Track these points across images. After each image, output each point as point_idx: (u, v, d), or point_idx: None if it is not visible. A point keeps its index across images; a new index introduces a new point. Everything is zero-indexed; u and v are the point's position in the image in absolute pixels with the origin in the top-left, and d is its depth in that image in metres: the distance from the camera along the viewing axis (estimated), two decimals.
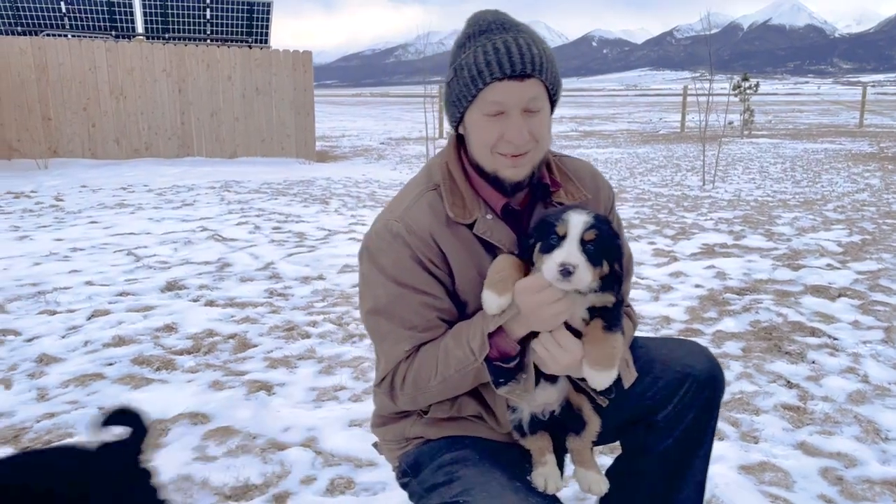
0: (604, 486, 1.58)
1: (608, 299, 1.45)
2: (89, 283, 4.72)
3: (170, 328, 3.83)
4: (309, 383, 3.14)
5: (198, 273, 4.97)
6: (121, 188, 9.26)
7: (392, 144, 18.85)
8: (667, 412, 1.66)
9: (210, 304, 4.29)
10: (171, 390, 3.06)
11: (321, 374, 3.24)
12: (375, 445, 1.84)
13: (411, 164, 13.82)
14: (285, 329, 3.85)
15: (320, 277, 4.92)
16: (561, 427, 1.63)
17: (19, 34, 13.33)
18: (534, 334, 1.47)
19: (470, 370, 1.48)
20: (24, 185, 9.25)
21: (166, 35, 14.58)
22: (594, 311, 1.46)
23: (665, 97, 71.00)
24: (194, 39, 14.78)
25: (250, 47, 14.29)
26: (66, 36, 13.45)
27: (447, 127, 18.05)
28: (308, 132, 14.18)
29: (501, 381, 1.49)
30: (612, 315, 1.46)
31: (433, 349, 1.52)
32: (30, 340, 3.65)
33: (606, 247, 1.40)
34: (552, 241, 1.39)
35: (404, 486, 1.71)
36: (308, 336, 3.74)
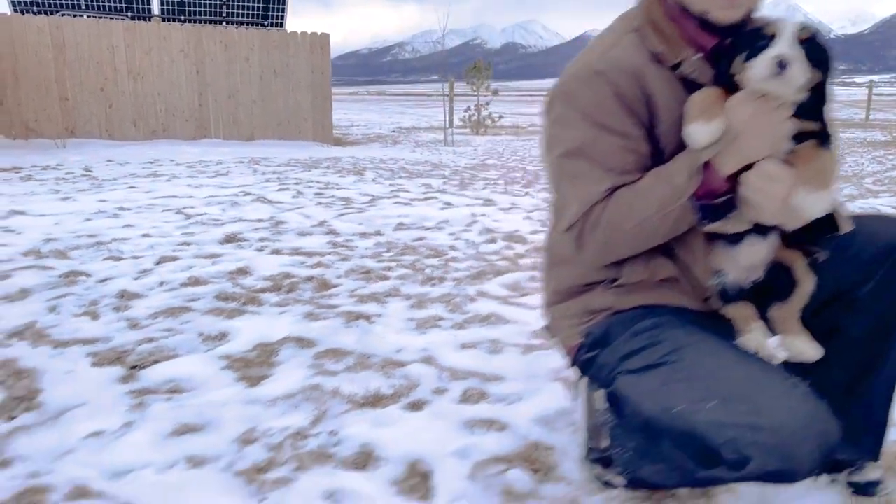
0: (818, 351, 1.51)
1: (814, 126, 1.39)
2: (146, 235, 4.63)
3: (243, 271, 3.75)
4: (404, 315, 3.06)
5: (253, 228, 4.89)
6: (148, 162, 9.16)
7: (404, 132, 18.77)
8: (868, 288, 1.58)
9: (276, 252, 4.21)
10: (266, 319, 2.98)
11: (413, 308, 3.17)
12: (546, 329, 1.77)
13: (429, 147, 13.75)
14: (361, 272, 3.78)
15: (378, 233, 4.84)
16: (763, 299, 1.56)
17: (35, 14, 13.19)
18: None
19: (674, 209, 1.40)
20: (47, 161, 9.13)
21: (182, 17, 14.46)
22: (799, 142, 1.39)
23: None
24: (210, 22, 14.66)
25: (267, 30, 14.19)
26: (81, 16, 13.32)
27: (457, 119, 17.94)
28: (325, 115, 14.09)
29: (706, 221, 1.41)
30: (821, 136, 1.39)
31: (630, 191, 1.45)
32: (103, 281, 3.57)
33: (819, 52, 1.34)
34: (762, 43, 1.32)
35: (588, 362, 1.63)
36: (386, 278, 3.67)
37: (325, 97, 14.07)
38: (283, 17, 15.39)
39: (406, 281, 3.61)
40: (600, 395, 1.62)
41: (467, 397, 2.22)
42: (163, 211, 5.50)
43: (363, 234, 4.78)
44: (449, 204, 6.07)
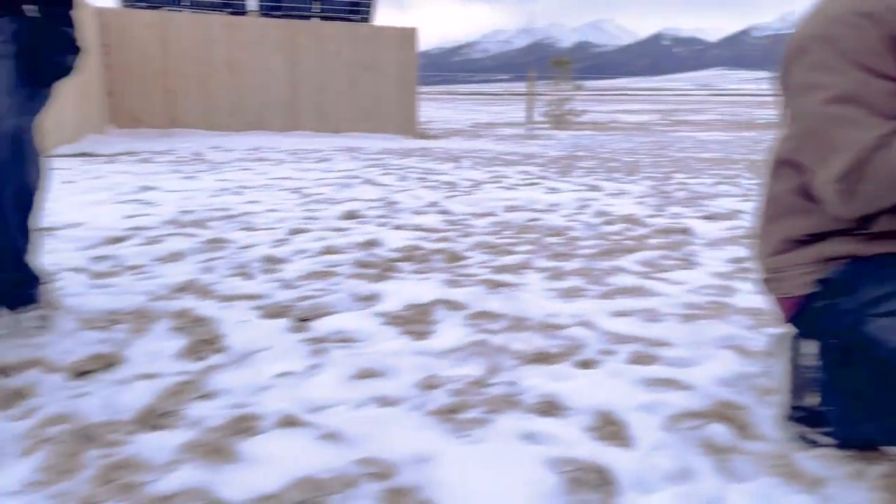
0: None
1: None
2: (271, 210, 4.82)
3: (372, 243, 3.85)
4: (544, 285, 3.08)
5: (369, 207, 5.01)
6: (251, 149, 9.51)
7: (482, 128, 18.80)
8: None
9: (398, 227, 4.31)
10: (410, 284, 3.06)
11: (551, 279, 3.18)
12: (765, 282, 1.74)
13: (515, 140, 13.73)
14: (486, 247, 3.82)
15: (491, 214, 4.88)
16: None
17: (142, 9, 13.88)
18: None
19: None
20: (156, 147, 9.60)
21: (276, 13, 14.93)
22: None
23: (745, 96, 68.38)
24: (302, 17, 15.08)
25: (357, 25, 14.48)
26: (180, 11, 13.93)
27: (536, 115, 17.81)
28: (410, 109, 14.27)
29: None
30: None
31: None
32: (245, 247, 3.73)
33: None
34: None
35: (823, 310, 1.57)
36: (513, 253, 3.69)
37: (411, 91, 14.25)
38: (370, 13, 15.69)
39: (534, 255, 3.63)
40: (811, 347, 1.59)
41: (638, 359, 2.22)
42: (279, 190, 5.71)
43: (476, 215, 4.82)
44: (554, 189, 6.05)
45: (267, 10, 14.85)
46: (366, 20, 15.59)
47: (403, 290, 2.94)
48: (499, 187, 6.14)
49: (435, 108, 35.84)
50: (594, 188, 6.16)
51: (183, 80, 12.88)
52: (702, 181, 6.76)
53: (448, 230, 4.28)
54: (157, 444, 1.68)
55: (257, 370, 2.13)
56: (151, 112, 12.77)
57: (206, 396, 1.96)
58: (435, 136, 14.91)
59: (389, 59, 13.91)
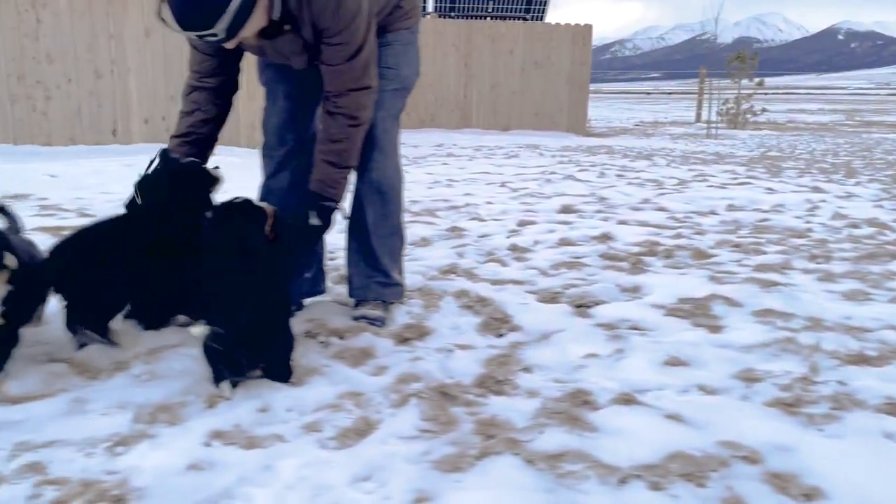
0: None
1: None
2: (489, 202, 4.96)
3: (606, 237, 3.85)
4: (820, 287, 2.92)
5: (583, 202, 5.02)
6: (435, 145, 9.85)
7: (648, 127, 18.17)
8: None
9: (622, 223, 4.27)
10: (671, 279, 3.03)
11: (824, 281, 3.01)
12: None
13: (692, 139, 13.14)
14: (731, 245, 3.69)
15: (713, 212, 4.71)
16: None
17: None
18: None
19: None
20: None
21: (452, 14, 15.35)
22: None
23: None
24: (477, 17, 15.39)
25: (524, 20, 14.56)
26: None
27: (705, 114, 16.82)
28: (581, 107, 14.11)
29: None
30: None
31: None
32: (484, 236, 3.88)
33: None
34: None
35: None
36: (763, 252, 3.54)
37: (583, 88, 14.08)
38: (544, 10, 15.70)
39: (790, 256, 3.45)
40: None
41: None
42: (486, 184, 5.87)
43: (698, 213, 4.67)
44: (771, 189, 5.74)
45: (444, 12, 15.33)
46: (539, 18, 15.63)
47: (668, 284, 2.91)
48: (708, 186, 5.92)
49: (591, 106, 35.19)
50: (816, 189, 5.76)
51: None
52: None
53: (677, 227, 4.19)
54: (510, 406, 1.79)
55: (562, 349, 2.21)
56: None
57: (527, 370, 2.06)
58: (603, 135, 14.64)
59: (562, 56, 13.83)
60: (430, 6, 15.37)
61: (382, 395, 1.85)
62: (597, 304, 2.68)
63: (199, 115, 2.37)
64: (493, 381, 1.95)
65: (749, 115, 16.88)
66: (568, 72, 13.91)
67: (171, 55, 8.52)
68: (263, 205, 2.07)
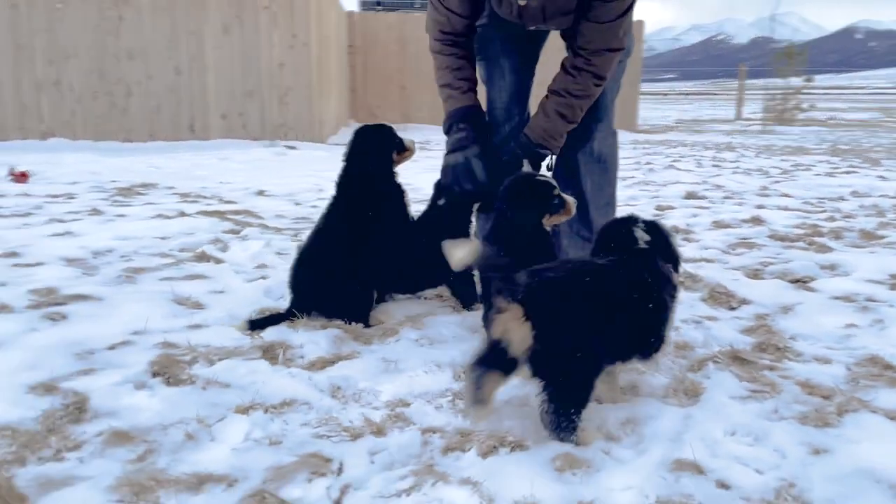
0: None
1: None
2: None
3: (758, 220, 3.84)
4: None
5: (703, 189, 5.00)
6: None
7: (689, 124, 18.04)
8: None
9: (761, 207, 4.25)
10: (862, 257, 3.00)
11: None
12: None
13: (743, 134, 13.03)
14: (893, 226, 3.67)
15: (841, 198, 4.68)
16: None
17: (376, 11, 14.88)
18: None
19: None
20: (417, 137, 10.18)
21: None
22: None
23: None
24: None
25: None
26: (415, 13, 14.74)
27: (748, 110, 16.67)
28: (632, 104, 14.02)
29: None
30: None
31: None
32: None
33: None
34: None
35: None
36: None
37: (633, 85, 13.99)
38: None
39: None
40: None
41: None
42: None
43: (828, 199, 4.65)
44: (883, 177, 5.69)
45: None
46: None
47: (865, 261, 2.89)
48: (815, 174, 5.89)
49: None
50: None
51: (416, 77, 13.63)
52: None
53: (820, 211, 4.17)
54: (813, 371, 1.79)
55: (814, 320, 2.20)
56: (386, 107, 13.63)
57: (793, 338, 2.05)
58: (653, 131, 14.56)
59: None
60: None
61: (677, 359, 1.86)
62: (811, 279, 2.66)
63: (469, 72, 2.40)
64: (774, 349, 1.94)
65: (797, 112, 16.72)
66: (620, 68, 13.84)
67: (249, 52, 8.60)
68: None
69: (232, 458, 1.36)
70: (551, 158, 2.31)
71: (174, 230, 3.37)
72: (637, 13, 2.47)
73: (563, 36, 2.36)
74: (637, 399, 1.63)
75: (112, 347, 1.89)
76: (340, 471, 1.32)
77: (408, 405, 1.60)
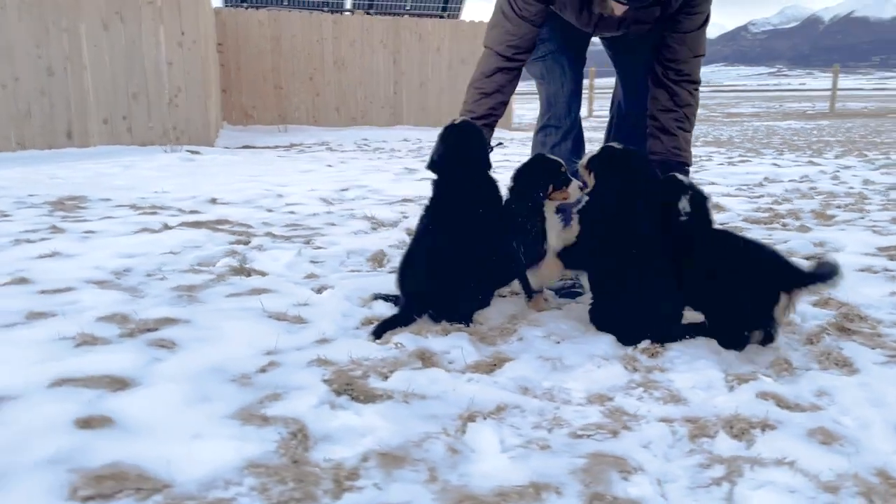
0: None
1: None
2: None
3: (720, 208, 4.21)
4: None
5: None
6: (401, 140, 9.88)
7: None
8: None
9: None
10: (838, 234, 3.43)
11: None
12: None
13: None
14: (836, 206, 4.19)
15: (761, 184, 5.25)
16: None
17: (245, 8, 14.23)
18: None
19: None
20: (278, 142, 9.87)
21: (371, 11, 15.29)
22: None
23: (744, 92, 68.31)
24: (395, 14, 15.43)
25: (440, 18, 14.84)
26: (290, 11, 14.28)
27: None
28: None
29: None
30: None
31: None
32: None
33: None
34: None
35: None
36: (866, 210, 4.06)
37: None
38: (460, 8, 16.05)
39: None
40: None
41: None
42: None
43: (748, 185, 5.19)
44: (776, 164, 6.44)
45: (361, 8, 15.22)
46: (454, 16, 15.96)
47: (845, 237, 3.30)
48: (718, 164, 6.53)
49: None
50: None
51: (292, 77, 13.24)
52: None
53: (758, 196, 4.66)
54: None
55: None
56: (262, 108, 13.12)
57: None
58: (528, 129, 15.26)
59: None
60: (348, 3, 15.22)
61: (788, 334, 2.06)
62: (819, 256, 3.00)
63: (500, 98, 2.42)
64: (860, 318, 2.20)
65: None
66: None
67: (132, 50, 7.89)
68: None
69: (518, 466, 1.33)
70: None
71: (174, 244, 3.08)
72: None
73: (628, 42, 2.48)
74: (801, 371, 1.79)
75: (263, 370, 1.74)
76: (641, 469, 1.32)
77: (611, 399, 1.64)
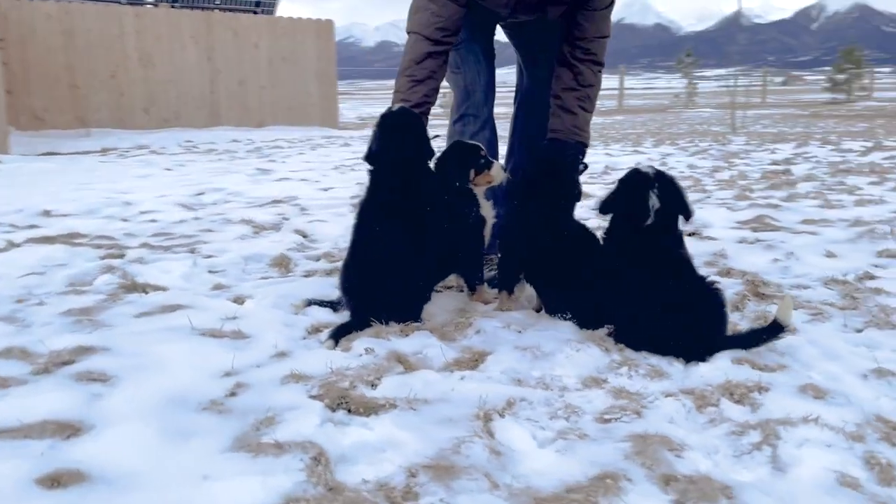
0: None
1: None
2: None
3: None
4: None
5: None
6: (231, 142, 9.32)
7: None
8: None
9: None
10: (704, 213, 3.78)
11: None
12: None
13: None
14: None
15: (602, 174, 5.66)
16: None
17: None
18: None
19: None
20: (78, 147, 8.94)
21: (176, 4, 14.21)
22: None
23: None
24: (203, 8, 14.50)
25: (254, 13, 14.27)
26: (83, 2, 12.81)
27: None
28: (332, 101, 14.34)
29: None
30: None
31: None
32: None
33: None
34: None
35: None
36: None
37: (332, 83, 14.32)
38: (274, 4, 15.47)
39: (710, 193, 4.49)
40: None
41: None
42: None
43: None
44: (638, 151, 6.98)
45: (168, 2, 14.09)
46: (269, 12, 15.34)
47: (711, 215, 3.65)
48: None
49: None
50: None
51: (90, 75, 11.90)
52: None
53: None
54: None
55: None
56: (56, 111, 11.64)
57: None
58: (357, 127, 15.12)
59: (309, 51, 13.88)
60: None
61: None
62: (694, 232, 3.28)
63: (432, 84, 2.34)
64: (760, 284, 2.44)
65: None
66: (315, 67, 14.00)
67: None
68: None
69: (568, 459, 1.28)
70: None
71: (33, 264, 2.64)
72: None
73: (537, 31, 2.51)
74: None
75: (233, 394, 1.52)
76: (685, 444, 1.32)
77: (605, 380, 1.64)
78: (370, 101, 32.80)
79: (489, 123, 2.62)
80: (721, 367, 1.68)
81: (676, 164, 6.03)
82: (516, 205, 2.18)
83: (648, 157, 6.66)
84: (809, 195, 4.24)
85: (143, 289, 2.33)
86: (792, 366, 1.71)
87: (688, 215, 1.87)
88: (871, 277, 2.46)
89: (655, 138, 9.28)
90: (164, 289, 2.34)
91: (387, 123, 2.14)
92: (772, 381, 1.59)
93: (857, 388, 1.55)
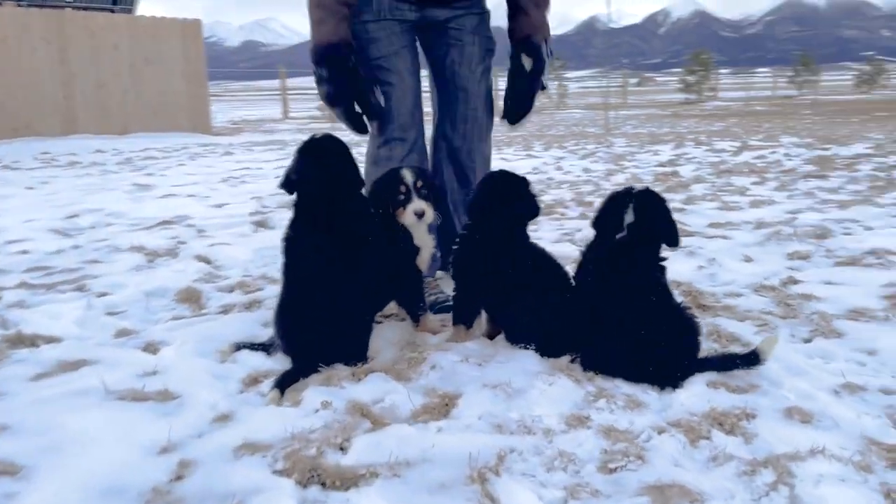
0: None
1: None
2: None
3: None
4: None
5: None
6: (70, 154, 8.51)
7: (258, 124, 18.41)
8: None
9: None
10: None
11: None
12: None
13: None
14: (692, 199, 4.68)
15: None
16: None
17: None
18: None
19: None
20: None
21: (23, 3, 12.86)
22: None
23: None
24: (54, 7, 13.22)
25: (111, 12, 13.24)
26: None
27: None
28: (202, 105, 13.56)
29: None
30: None
31: None
32: None
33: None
34: None
35: None
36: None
37: (201, 84, 13.53)
38: (132, 3, 14.40)
39: None
40: None
41: None
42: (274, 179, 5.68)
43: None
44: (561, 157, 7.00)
45: (20, 1, 12.70)
46: (127, 10, 14.25)
47: None
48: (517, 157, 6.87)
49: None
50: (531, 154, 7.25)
51: None
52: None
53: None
54: None
55: None
56: None
57: None
58: (231, 133, 14.38)
59: (175, 52, 13.01)
60: None
61: None
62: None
63: None
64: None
65: None
66: (182, 68, 13.16)
67: None
68: None
69: None
70: (546, 46, 2.37)
71: None
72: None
73: None
74: (711, 353, 1.91)
75: (180, 477, 1.27)
76: (703, 493, 1.24)
77: (588, 417, 1.54)
78: (239, 104, 31.46)
79: (417, 146, 2.45)
80: (697, 393, 1.63)
81: (571, 168, 6.15)
82: (467, 231, 2.04)
83: (543, 162, 6.75)
84: (706, 197, 4.43)
85: (32, 341, 1.97)
86: (762, 385, 1.69)
87: (672, 241, 1.81)
88: (795, 282, 2.55)
89: (542, 141, 9.48)
90: (57, 339, 1.99)
91: (312, 150, 1.93)
92: (755, 405, 1.56)
93: (835, 408, 1.54)
